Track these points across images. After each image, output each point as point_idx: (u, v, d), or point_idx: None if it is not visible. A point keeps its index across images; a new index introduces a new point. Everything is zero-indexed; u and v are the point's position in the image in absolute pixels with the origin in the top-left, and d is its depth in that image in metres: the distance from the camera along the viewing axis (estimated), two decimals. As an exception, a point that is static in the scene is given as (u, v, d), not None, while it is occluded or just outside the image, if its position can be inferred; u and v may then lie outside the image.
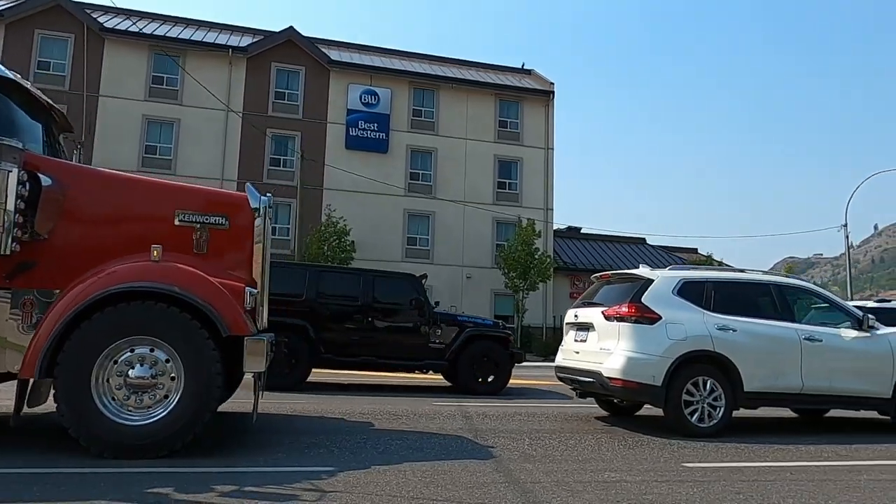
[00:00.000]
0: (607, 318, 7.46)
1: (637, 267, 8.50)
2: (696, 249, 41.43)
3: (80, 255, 5.25)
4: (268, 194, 6.27)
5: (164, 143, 29.89)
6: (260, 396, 5.58)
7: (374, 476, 4.62)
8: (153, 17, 32.53)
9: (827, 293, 8.39)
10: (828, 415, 9.40)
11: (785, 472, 5.35)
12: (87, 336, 4.88)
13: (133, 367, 4.96)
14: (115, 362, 4.95)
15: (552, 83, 35.60)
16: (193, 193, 5.93)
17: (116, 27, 29.96)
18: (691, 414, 7.03)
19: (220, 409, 7.33)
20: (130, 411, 4.94)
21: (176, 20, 32.89)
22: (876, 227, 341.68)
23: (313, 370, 10.85)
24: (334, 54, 33.02)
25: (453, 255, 32.48)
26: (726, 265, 40.53)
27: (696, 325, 7.18)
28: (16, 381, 4.99)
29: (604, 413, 8.73)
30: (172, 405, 4.97)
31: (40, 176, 5.10)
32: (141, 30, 30.26)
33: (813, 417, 9.29)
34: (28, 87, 5.76)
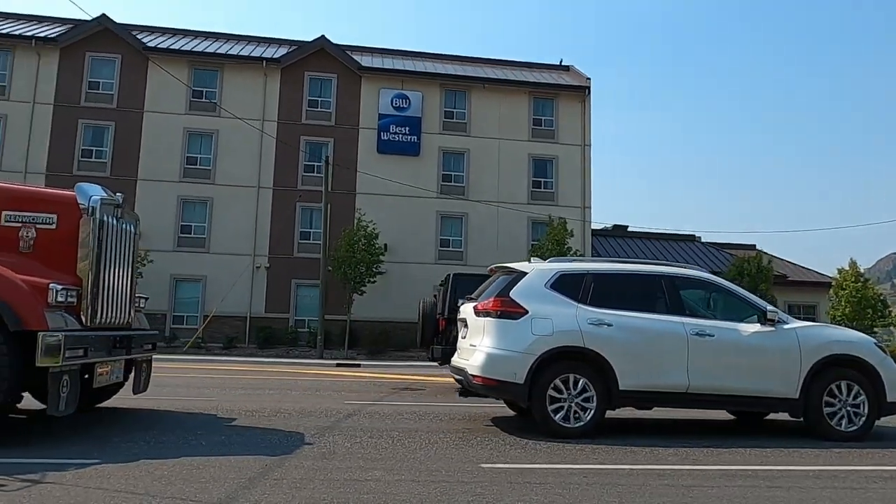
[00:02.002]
0: (476, 313, 7.17)
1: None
2: (755, 246, 39.29)
3: None
4: (118, 194, 6.45)
5: (203, 154, 31.19)
6: (63, 393, 5.43)
7: (123, 470, 4.64)
8: (192, 34, 34.08)
9: (731, 285, 7.69)
10: (770, 417, 8.63)
11: (616, 476, 4.96)
12: None
13: None
14: None
15: (588, 78, 34.70)
16: (21, 194, 6.19)
17: (158, 45, 31.57)
18: (556, 412, 6.64)
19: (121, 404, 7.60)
20: None
21: (214, 35, 34.27)
22: None
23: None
24: (365, 60, 33.48)
25: (487, 256, 32.02)
26: (786, 261, 38.22)
27: (566, 320, 6.79)
28: None
29: (508, 414, 8.38)
30: None
31: None
32: (181, 47, 31.77)
33: (755, 420, 8.56)
34: None
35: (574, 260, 7.76)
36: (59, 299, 5.53)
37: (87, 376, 6.12)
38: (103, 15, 30.74)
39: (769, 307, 7.17)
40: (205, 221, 30.67)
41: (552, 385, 6.64)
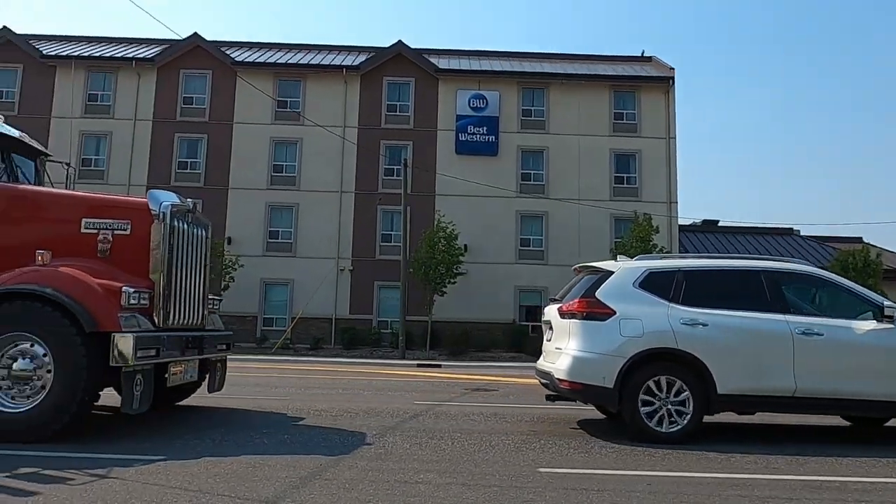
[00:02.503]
0: (561, 315, 6.96)
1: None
2: (861, 238, 36.51)
3: (2, 262, 5.94)
4: (188, 200, 6.70)
5: (289, 162, 32.33)
6: (137, 392, 5.65)
7: (183, 467, 4.77)
8: (276, 46, 35.39)
9: (841, 279, 7.13)
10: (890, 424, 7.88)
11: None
12: None
13: (18, 361, 5.55)
14: (2, 357, 5.57)
15: (672, 68, 33.43)
16: (98, 202, 6.53)
17: (245, 60, 32.99)
18: (649, 417, 6.31)
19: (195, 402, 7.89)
20: (13, 399, 5.53)
21: (297, 47, 35.44)
22: None
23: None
24: (442, 62, 33.66)
25: (569, 255, 31.45)
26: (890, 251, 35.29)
27: (657, 320, 6.46)
28: None
29: (578, 416, 8.10)
30: (45, 395, 5.49)
31: None
32: (266, 60, 33.07)
33: (864, 428, 7.86)
34: None
35: (663, 257, 7.38)
36: (132, 302, 5.77)
37: (165, 376, 6.36)
38: (195, 34, 32.46)
39: (886, 302, 6.58)
40: (291, 227, 31.77)
41: (644, 388, 6.34)
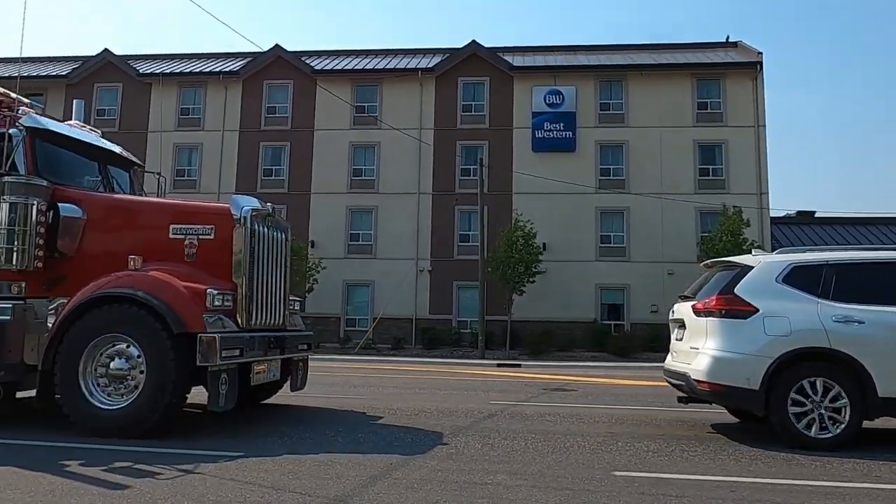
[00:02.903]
0: (696, 312, 6.64)
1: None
2: None
3: (96, 268, 6.34)
4: (268, 204, 6.88)
5: (367, 166, 32.97)
6: (222, 391, 5.88)
7: (259, 464, 4.92)
8: (353, 53, 36.14)
9: None
10: None
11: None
12: (75, 335, 5.93)
13: (114, 360, 5.89)
14: (100, 356, 5.92)
15: (760, 53, 31.76)
16: (184, 209, 6.89)
17: (324, 68, 33.90)
18: (800, 421, 5.96)
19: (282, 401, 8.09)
20: (109, 397, 5.88)
21: (373, 52, 36.07)
22: None
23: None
24: (517, 60, 33.39)
25: (652, 251, 30.60)
26: None
27: (806, 318, 6.09)
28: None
29: (680, 418, 7.78)
30: (138, 393, 5.80)
31: (60, 205, 6.39)
32: (343, 67, 33.86)
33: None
34: (72, 134, 7.21)
35: (807, 250, 6.88)
36: (216, 303, 5.99)
37: (249, 375, 6.56)
38: (276, 46, 33.67)
39: None
40: (371, 229, 32.38)
41: (794, 390, 5.99)
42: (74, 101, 8.72)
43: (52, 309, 6.21)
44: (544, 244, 29.56)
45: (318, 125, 33.23)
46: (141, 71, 34.48)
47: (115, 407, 5.83)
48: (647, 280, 30.24)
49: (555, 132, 31.84)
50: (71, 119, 8.04)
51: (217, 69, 34.63)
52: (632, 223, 31.02)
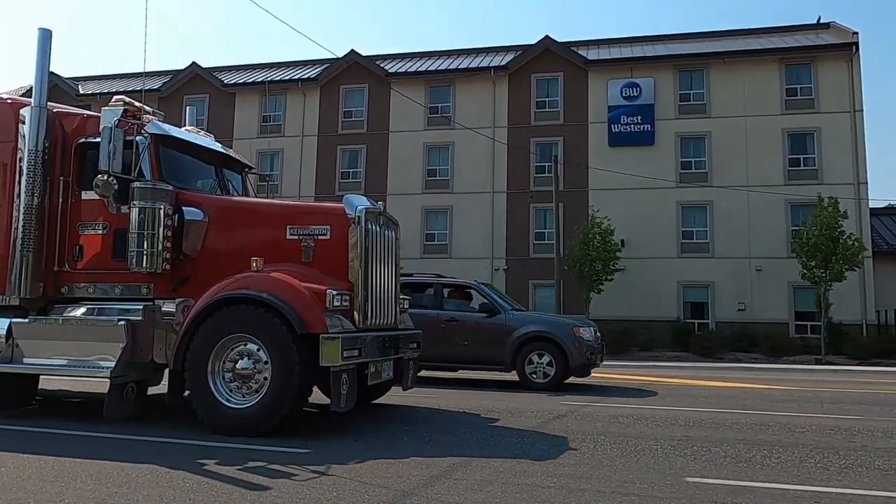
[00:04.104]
0: None
1: None
2: None
3: (218, 269, 6.43)
4: (378, 203, 6.90)
5: (441, 166, 33.14)
6: (343, 391, 5.89)
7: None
8: (427, 54, 36.38)
9: None
10: None
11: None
12: (204, 335, 6.02)
13: (240, 360, 5.97)
14: (228, 356, 6.01)
15: (855, 33, 29.73)
16: (300, 210, 7.17)
17: (397, 71, 34.32)
18: None
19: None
20: (237, 396, 5.97)
21: (446, 53, 36.19)
22: None
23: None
24: (591, 53, 32.69)
25: (738, 246, 29.23)
26: None
27: None
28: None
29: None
30: (264, 393, 5.86)
31: (184, 209, 6.57)
32: (417, 69, 34.16)
33: None
34: (192, 139, 7.48)
35: None
36: (336, 304, 6.00)
37: (365, 374, 6.55)
38: (352, 51, 34.37)
39: None
40: (446, 229, 32.51)
41: None
42: (187, 108, 9.21)
43: (179, 310, 6.35)
44: (622, 241, 28.78)
45: (392, 127, 33.68)
46: (225, 82, 36.02)
47: (241, 406, 5.88)
48: (734, 277, 28.91)
49: (632, 126, 30.95)
50: (185, 125, 8.36)
51: (297, 77, 35.71)
52: (716, 218, 29.72)
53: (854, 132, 28.95)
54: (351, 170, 34.15)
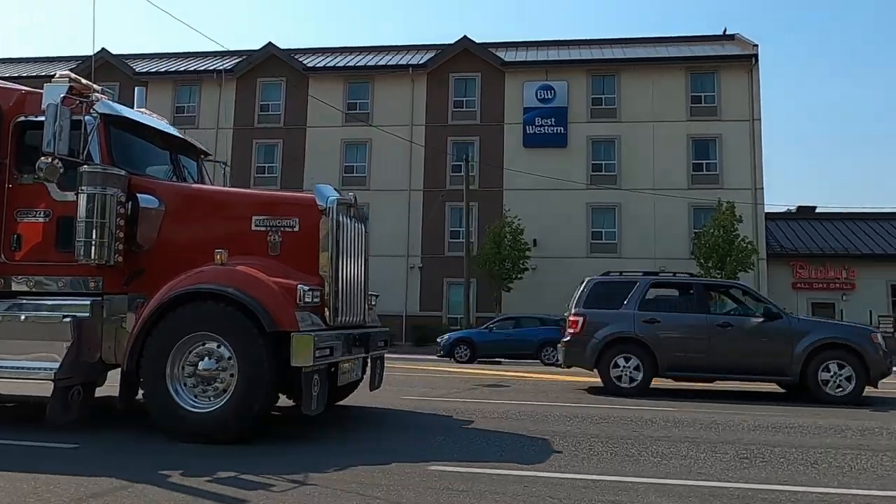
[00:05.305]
0: None
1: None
2: None
3: (175, 262, 5.87)
4: (350, 194, 6.42)
5: (359, 163, 33.01)
6: (315, 392, 5.49)
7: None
8: (347, 50, 36.15)
9: None
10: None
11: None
12: (161, 333, 5.52)
13: (203, 360, 5.48)
14: (188, 356, 5.52)
15: (755, 45, 31.21)
16: (267, 200, 6.60)
17: (316, 65, 33.98)
18: None
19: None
20: (198, 399, 5.48)
21: (366, 49, 36.05)
22: None
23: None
24: (508, 55, 33.19)
25: (643, 247, 30.21)
26: None
27: None
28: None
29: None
30: (229, 396, 5.39)
31: (138, 196, 5.94)
32: (336, 64, 33.90)
33: None
34: (146, 121, 6.82)
35: None
36: (307, 300, 5.58)
37: (333, 374, 6.18)
38: (270, 43, 33.83)
39: None
40: (362, 226, 32.32)
41: None
42: (136, 89, 8.07)
43: (132, 306, 5.88)
44: (535, 240, 29.35)
45: (310, 122, 33.33)
46: (137, 70, 34.85)
47: (204, 410, 5.43)
48: (639, 277, 29.84)
49: (546, 128, 31.60)
50: (133, 107, 7.31)
51: (211, 67, 34.87)
52: (623, 219, 30.68)
53: (752, 140, 30.39)
54: (267, 164, 33.61)
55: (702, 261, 26.93)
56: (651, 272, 11.78)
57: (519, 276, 28.33)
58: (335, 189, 6.33)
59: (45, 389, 5.95)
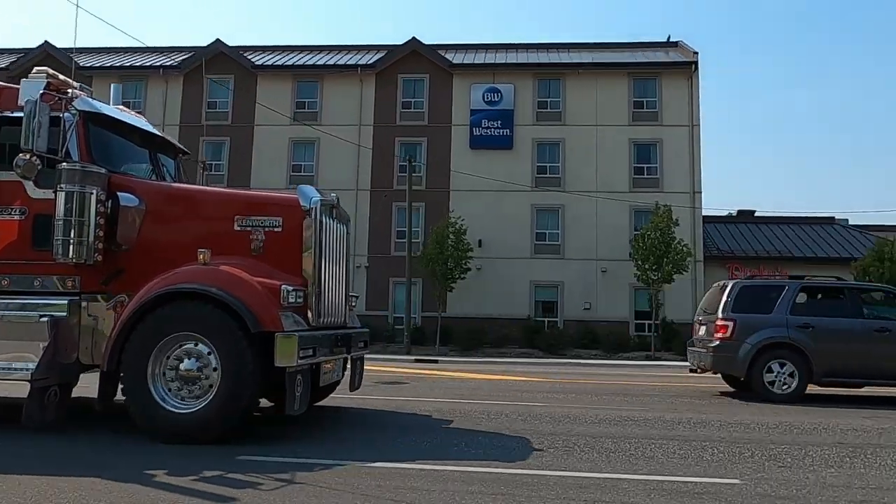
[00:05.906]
0: None
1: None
2: (913, 226, 33.96)
3: (156, 262, 5.88)
4: (332, 195, 6.52)
5: (307, 162, 32.99)
6: (298, 392, 5.56)
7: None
8: (295, 48, 36.07)
9: None
10: None
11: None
12: (142, 333, 5.52)
13: (185, 360, 5.52)
14: (170, 356, 5.54)
15: (696, 53, 32.06)
16: (250, 200, 6.57)
17: (265, 63, 33.82)
18: None
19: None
20: (182, 401, 5.50)
21: (315, 48, 36.02)
22: None
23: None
24: (457, 57, 33.49)
25: (586, 248, 30.86)
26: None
27: None
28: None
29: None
30: (212, 396, 5.42)
31: (118, 194, 5.91)
32: (284, 63, 33.80)
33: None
34: (125, 119, 6.80)
35: None
36: (290, 300, 5.64)
37: (315, 374, 6.21)
38: (217, 40, 33.59)
39: None
40: (309, 225, 32.28)
41: None
42: (112, 86, 7.92)
43: (111, 306, 5.88)
44: (480, 241, 29.72)
45: (258, 120, 33.16)
46: (81, 64, 34.20)
47: (186, 410, 5.46)
48: (581, 277, 30.49)
49: (492, 130, 31.99)
50: (109, 104, 7.17)
51: (158, 63, 34.47)
52: (567, 221, 31.24)
53: (692, 145, 31.22)
54: (214, 162, 33.25)
55: (639, 262, 27.62)
56: (796, 276, 11.55)
57: (462, 276, 28.64)
58: (317, 189, 6.42)
59: (22, 390, 5.93)
